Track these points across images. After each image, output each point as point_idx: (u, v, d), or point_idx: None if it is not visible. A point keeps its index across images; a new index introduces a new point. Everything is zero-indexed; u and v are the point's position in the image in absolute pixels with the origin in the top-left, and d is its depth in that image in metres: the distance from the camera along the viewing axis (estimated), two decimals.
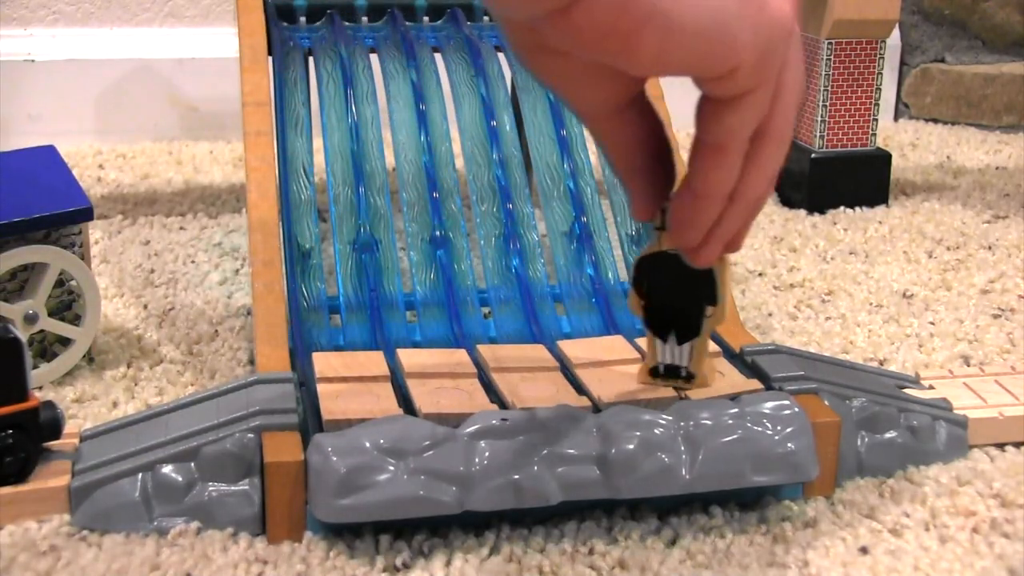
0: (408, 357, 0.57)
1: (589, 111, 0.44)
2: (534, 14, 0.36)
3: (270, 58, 0.73)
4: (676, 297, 0.51)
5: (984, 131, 1.33)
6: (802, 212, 0.98)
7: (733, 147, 0.42)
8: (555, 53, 0.40)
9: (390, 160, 0.70)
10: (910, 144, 1.26)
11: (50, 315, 0.64)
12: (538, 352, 0.59)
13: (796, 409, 0.51)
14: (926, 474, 0.55)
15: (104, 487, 0.49)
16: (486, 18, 0.80)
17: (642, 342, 0.60)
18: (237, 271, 0.83)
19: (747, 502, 0.53)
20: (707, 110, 0.41)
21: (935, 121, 1.37)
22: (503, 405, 0.53)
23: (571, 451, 0.48)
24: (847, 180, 0.99)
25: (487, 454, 0.48)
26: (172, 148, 1.19)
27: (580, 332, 0.64)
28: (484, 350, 0.58)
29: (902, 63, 1.39)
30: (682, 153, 0.81)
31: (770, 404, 0.51)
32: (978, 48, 1.37)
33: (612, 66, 0.39)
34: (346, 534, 0.49)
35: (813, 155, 0.99)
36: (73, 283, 0.65)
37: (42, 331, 0.64)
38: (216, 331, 0.71)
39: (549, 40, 0.39)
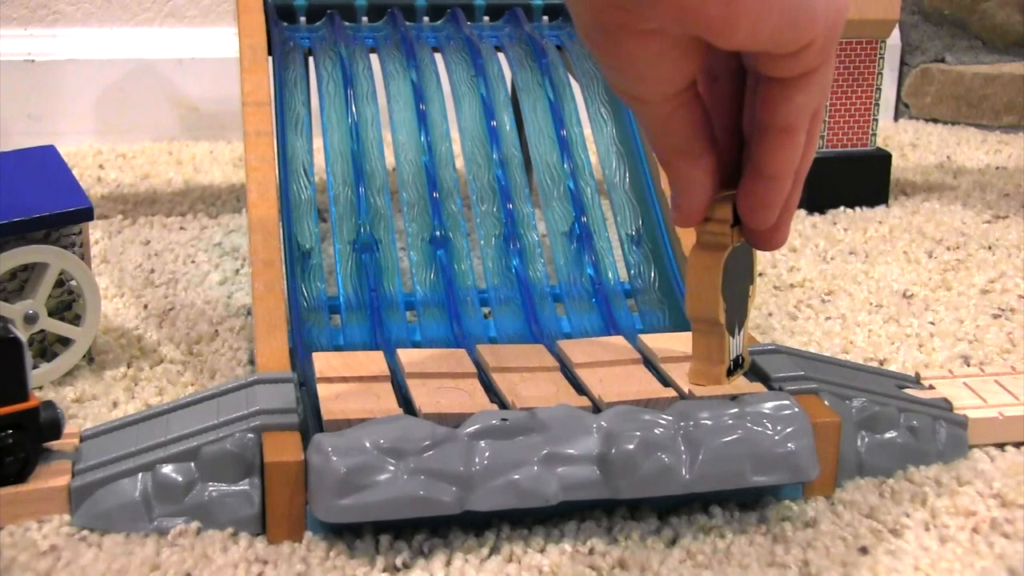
0: (408, 357, 0.57)
1: (654, 90, 0.43)
2: None
3: (270, 58, 0.73)
4: (738, 288, 0.51)
5: (984, 131, 1.33)
6: (802, 212, 0.98)
7: (800, 127, 0.43)
8: (639, 33, 0.40)
9: (390, 160, 0.70)
10: (910, 144, 1.26)
11: (50, 315, 0.64)
12: (538, 352, 0.59)
13: (796, 409, 0.51)
14: (926, 474, 0.55)
15: (104, 487, 0.49)
16: (486, 18, 0.80)
17: (647, 339, 0.60)
18: (237, 271, 0.83)
19: (747, 502, 0.53)
20: (774, 92, 0.42)
21: (935, 121, 1.37)
22: (503, 405, 0.53)
23: (571, 451, 0.48)
24: (847, 180, 0.99)
25: (487, 454, 0.48)
26: (172, 148, 1.19)
27: (580, 332, 0.64)
28: (484, 350, 0.58)
29: (902, 63, 1.39)
30: None
31: (770, 404, 0.51)
32: (978, 48, 1.37)
33: (692, 43, 0.40)
34: (346, 534, 0.49)
35: None
36: (73, 283, 0.65)
37: (42, 331, 0.64)
38: (216, 331, 0.71)
39: (645, 15, 0.39)
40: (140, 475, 0.49)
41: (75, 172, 0.85)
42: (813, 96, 0.42)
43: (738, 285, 0.51)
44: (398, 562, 0.48)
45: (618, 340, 0.61)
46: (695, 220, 0.47)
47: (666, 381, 0.55)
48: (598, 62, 0.43)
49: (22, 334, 0.50)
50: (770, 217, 0.47)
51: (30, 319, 0.63)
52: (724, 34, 0.38)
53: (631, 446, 0.48)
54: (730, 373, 0.52)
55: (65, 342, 0.65)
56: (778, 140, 0.43)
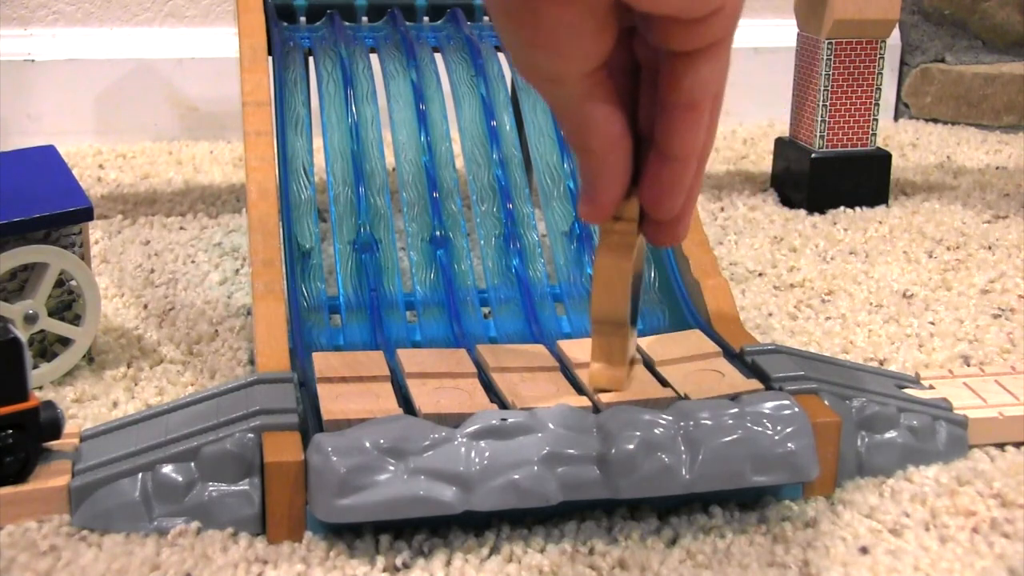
0: (408, 357, 0.57)
1: (572, 68, 0.42)
2: None
3: (270, 58, 0.73)
4: (634, 287, 0.51)
5: (984, 131, 1.34)
6: (802, 212, 0.98)
7: (705, 103, 0.43)
8: (558, 1, 0.39)
9: (390, 160, 0.70)
10: (910, 144, 1.26)
11: (50, 315, 0.64)
12: (538, 352, 0.59)
13: (796, 409, 0.51)
14: (926, 474, 0.55)
15: (104, 487, 0.49)
16: (486, 18, 0.80)
17: (641, 341, 0.60)
18: (237, 271, 0.83)
19: (747, 502, 0.53)
20: (679, 67, 0.42)
21: (935, 121, 1.37)
22: (503, 405, 0.53)
23: (571, 451, 0.48)
24: (847, 180, 0.99)
25: (487, 454, 0.48)
26: (172, 148, 1.19)
27: (580, 332, 0.64)
28: (484, 350, 0.58)
29: (902, 63, 1.39)
30: None
31: (770, 404, 0.51)
32: (978, 48, 1.37)
33: (608, 13, 0.39)
34: (346, 534, 0.49)
35: (813, 155, 0.99)
36: (73, 283, 0.65)
37: (42, 331, 0.64)
38: (216, 331, 0.71)
39: None
40: (140, 475, 0.49)
41: (75, 172, 0.85)
42: (717, 70, 0.42)
43: (635, 283, 0.51)
44: (398, 562, 0.48)
45: None
46: (608, 215, 0.47)
47: (664, 381, 0.55)
48: (511, 41, 0.41)
49: (22, 334, 0.50)
50: (676, 204, 0.46)
51: (30, 319, 0.63)
52: None
53: (631, 446, 0.48)
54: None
55: (65, 342, 0.65)
56: (683, 118, 0.43)
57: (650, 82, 0.44)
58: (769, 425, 0.50)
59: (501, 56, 0.76)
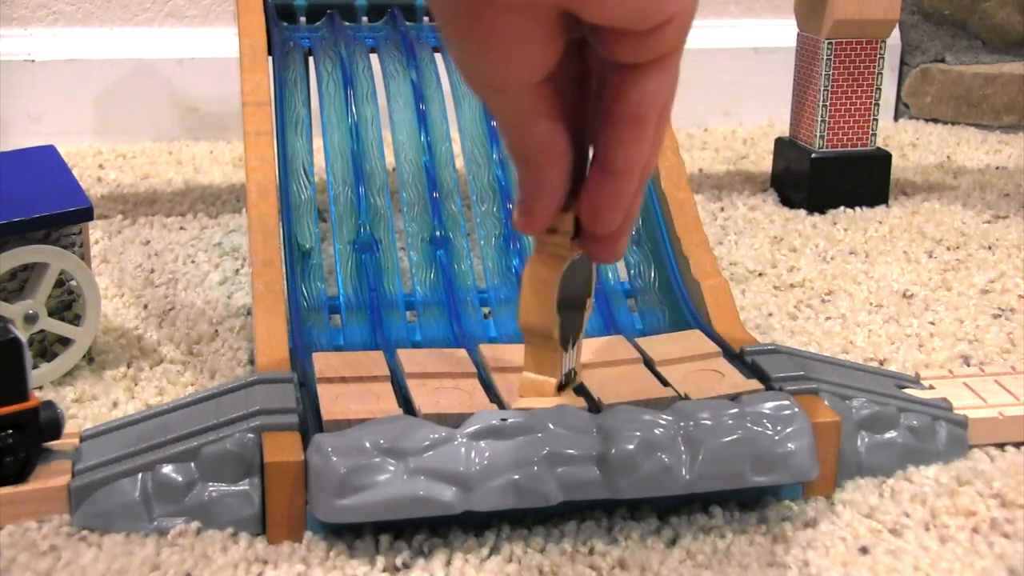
0: (408, 357, 0.57)
1: (518, 78, 0.41)
2: None
3: (270, 58, 0.73)
4: (573, 302, 0.50)
5: (984, 131, 1.34)
6: (802, 212, 0.98)
7: (650, 117, 0.42)
8: (506, 8, 0.38)
9: (390, 160, 0.70)
10: (910, 144, 1.26)
11: (50, 315, 0.64)
12: None
13: (796, 409, 0.51)
14: (926, 474, 0.55)
15: (104, 487, 0.49)
16: None
17: (641, 341, 0.60)
18: (237, 271, 0.83)
19: (747, 502, 0.53)
20: (627, 79, 0.41)
21: (935, 121, 1.37)
22: (503, 405, 0.53)
23: (571, 451, 0.48)
24: (847, 180, 0.99)
25: (487, 454, 0.48)
26: (172, 148, 1.19)
27: None
28: (484, 350, 0.58)
29: (902, 63, 1.39)
30: (682, 154, 0.81)
31: (770, 404, 0.51)
32: (978, 48, 1.37)
33: (556, 23, 0.39)
34: (346, 534, 0.49)
35: (813, 155, 0.99)
36: (73, 283, 0.65)
37: (42, 331, 0.64)
38: (216, 331, 0.71)
39: None
40: (140, 475, 0.49)
41: (75, 172, 0.85)
42: (664, 85, 0.41)
43: (573, 299, 0.50)
44: (398, 562, 0.48)
45: (618, 340, 0.61)
46: (541, 228, 0.46)
47: (665, 381, 0.55)
48: (456, 48, 0.40)
49: (22, 334, 0.50)
50: (614, 219, 0.45)
51: (30, 319, 0.63)
52: (591, 3, 0.38)
53: (631, 446, 0.48)
54: (561, 388, 0.52)
55: (65, 342, 0.65)
56: (628, 131, 0.42)
57: (600, 90, 0.43)
58: (769, 425, 0.50)
59: None
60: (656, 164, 0.45)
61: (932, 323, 0.74)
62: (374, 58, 0.75)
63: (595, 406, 0.53)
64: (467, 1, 0.38)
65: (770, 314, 0.76)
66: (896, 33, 1.37)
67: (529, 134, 0.43)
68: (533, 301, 0.49)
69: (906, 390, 0.60)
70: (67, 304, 0.66)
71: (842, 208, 0.98)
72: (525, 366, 0.51)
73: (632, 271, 0.68)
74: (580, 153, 0.45)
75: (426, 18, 0.80)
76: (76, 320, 0.65)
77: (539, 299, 0.48)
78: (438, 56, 0.75)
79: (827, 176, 0.99)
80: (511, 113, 0.43)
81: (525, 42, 0.39)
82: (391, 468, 0.47)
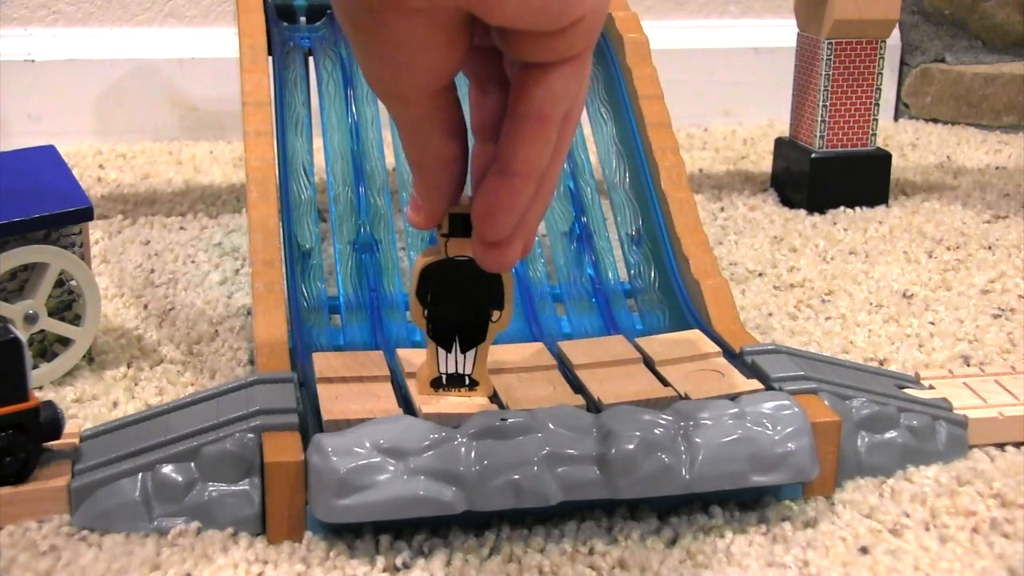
0: (408, 357, 0.57)
1: (416, 85, 0.41)
2: None
3: (270, 58, 0.73)
4: (460, 304, 0.50)
5: (984, 131, 1.34)
6: (802, 212, 0.98)
7: (554, 118, 0.41)
8: (409, 12, 0.38)
9: (390, 160, 0.70)
10: (910, 144, 1.26)
11: (50, 315, 0.64)
12: (536, 351, 0.59)
13: (796, 409, 0.51)
14: (926, 474, 0.55)
15: (104, 487, 0.49)
16: None
17: (641, 341, 0.60)
18: (237, 271, 0.83)
19: (747, 502, 0.53)
20: (532, 78, 0.41)
21: (935, 121, 1.37)
22: (502, 406, 0.53)
23: (571, 451, 0.48)
24: (847, 180, 0.99)
25: (487, 454, 0.48)
26: (172, 148, 1.19)
27: (580, 332, 0.64)
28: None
29: (902, 63, 1.39)
30: (682, 154, 0.81)
31: (770, 404, 0.51)
32: (978, 48, 1.38)
33: (459, 27, 0.39)
34: (346, 534, 0.49)
35: (813, 155, 0.99)
36: (73, 283, 0.65)
37: (42, 331, 0.64)
38: (216, 331, 0.71)
39: None
40: (140, 475, 0.49)
41: (75, 172, 0.85)
42: (571, 86, 0.41)
43: (462, 302, 0.50)
44: (398, 562, 0.48)
45: (618, 340, 0.61)
46: (431, 225, 0.47)
47: (665, 381, 0.55)
48: (360, 54, 0.40)
49: (22, 334, 0.50)
50: (506, 223, 0.43)
51: (30, 319, 0.63)
52: (490, 10, 0.37)
53: (631, 446, 0.48)
54: (440, 386, 0.52)
55: (65, 342, 0.65)
56: (529, 131, 0.41)
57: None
58: (769, 425, 0.50)
59: None
60: (558, 173, 0.44)
61: (932, 323, 0.74)
62: None
63: (595, 406, 0.53)
64: (368, 4, 0.38)
65: (770, 314, 0.76)
66: (896, 33, 1.37)
67: (423, 144, 0.43)
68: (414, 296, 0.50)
69: (906, 390, 0.60)
70: (67, 304, 0.66)
71: (842, 208, 0.98)
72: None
73: (632, 271, 0.68)
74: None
75: None
76: (76, 320, 0.65)
77: (410, 288, 0.50)
78: None
79: (827, 176, 0.99)
80: (409, 122, 0.43)
81: (427, 48, 0.39)
82: (391, 468, 0.47)
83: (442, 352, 0.51)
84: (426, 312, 0.50)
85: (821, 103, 0.98)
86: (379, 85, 0.41)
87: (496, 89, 0.44)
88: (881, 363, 0.68)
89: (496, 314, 0.51)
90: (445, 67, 0.40)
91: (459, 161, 0.44)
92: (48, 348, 0.65)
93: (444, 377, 0.52)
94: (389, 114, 0.44)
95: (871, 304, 0.78)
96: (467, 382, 0.52)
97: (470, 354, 0.52)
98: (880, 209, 0.99)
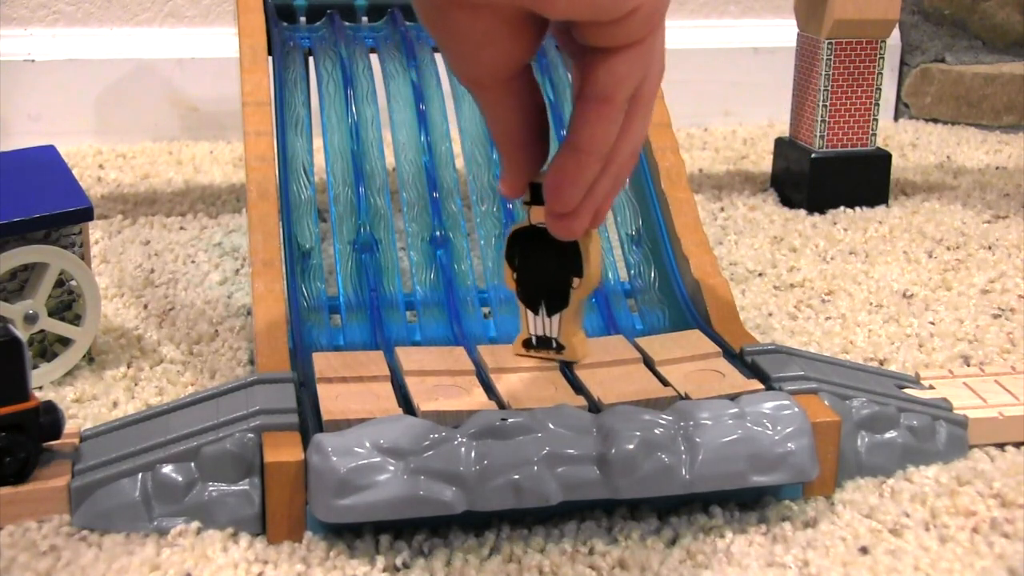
0: (406, 355, 0.57)
1: (487, 73, 0.44)
2: None
3: (270, 58, 0.73)
4: (545, 270, 0.53)
5: (984, 131, 1.34)
6: (802, 212, 0.98)
7: (619, 100, 0.43)
8: (470, 7, 0.40)
9: (390, 160, 0.70)
10: (910, 144, 1.26)
11: (50, 315, 0.64)
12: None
13: (796, 409, 0.51)
14: (926, 474, 0.55)
15: (104, 487, 0.49)
16: None
17: (641, 341, 0.60)
18: (237, 271, 0.83)
19: (747, 502, 0.53)
20: (595, 60, 0.42)
21: (935, 121, 1.37)
22: (502, 405, 0.53)
23: (571, 451, 0.48)
24: (847, 180, 0.99)
25: (487, 454, 0.48)
26: (172, 148, 1.19)
27: None
28: (484, 350, 0.58)
29: (902, 63, 1.39)
30: (682, 154, 0.81)
31: (770, 404, 0.51)
32: (978, 48, 1.37)
33: (522, 21, 0.40)
34: (346, 534, 0.49)
35: (813, 155, 0.99)
36: (73, 283, 0.65)
37: (42, 331, 0.64)
38: (216, 331, 0.71)
39: None
40: (140, 475, 0.49)
41: (75, 172, 0.85)
42: (636, 69, 0.42)
43: (545, 267, 0.53)
44: (398, 562, 0.48)
45: (618, 340, 0.61)
46: (515, 196, 0.49)
47: (665, 381, 0.55)
48: (438, 45, 0.43)
49: (22, 334, 0.50)
50: (572, 196, 0.46)
51: (30, 319, 0.63)
52: (548, 2, 0.39)
53: (631, 446, 0.48)
54: (531, 347, 0.55)
55: (65, 342, 0.65)
56: (594, 111, 0.43)
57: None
58: (769, 425, 0.50)
59: None
60: (628, 152, 0.46)
61: (932, 323, 0.74)
62: (374, 58, 0.75)
63: (595, 406, 0.53)
64: (435, 2, 0.40)
65: (770, 314, 0.76)
66: (896, 33, 1.37)
67: (500, 123, 0.46)
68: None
69: (906, 390, 0.60)
70: (67, 304, 0.66)
71: (842, 208, 0.98)
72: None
73: (632, 271, 0.68)
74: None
75: None
76: (76, 320, 0.65)
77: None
78: (438, 56, 0.75)
79: (827, 176, 0.99)
80: (486, 104, 0.45)
81: (492, 40, 0.41)
82: (391, 468, 0.47)
83: (531, 315, 0.54)
84: (515, 275, 0.53)
85: (821, 103, 0.98)
86: (456, 72, 0.44)
87: (524, 81, 0.46)
88: (881, 363, 0.68)
89: (576, 281, 0.52)
90: (513, 57, 0.43)
91: (534, 138, 0.46)
92: (48, 348, 0.65)
93: (534, 339, 0.55)
94: (473, 99, 0.46)
95: (871, 304, 0.78)
96: (554, 345, 0.55)
97: (556, 318, 0.54)
98: (880, 209, 0.99)
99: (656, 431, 0.49)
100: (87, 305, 0.65)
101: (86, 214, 0.64)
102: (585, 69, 0.43)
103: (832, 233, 0.92)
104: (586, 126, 0.44)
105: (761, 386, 0.55)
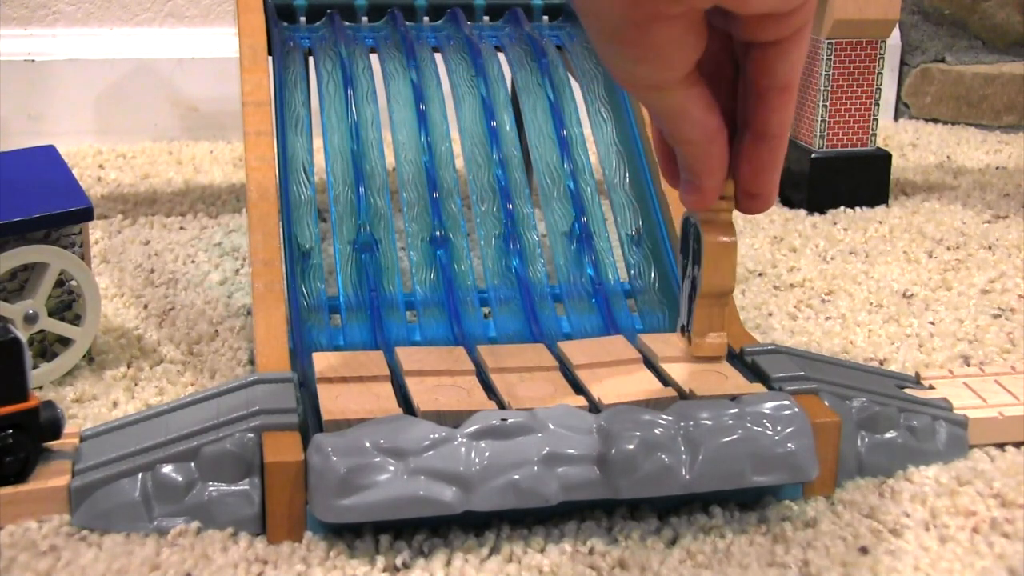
0: (406, 355, 0.57)
1: (675, 76, 0.44)
2: None
3: (270, 58, 0.73)
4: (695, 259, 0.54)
5: (984, 131, 1.33)
6: (802, 212, 0.98)
7: (796, 84, 0.46)
8: (669, 18, 0.41)
9: (390, 160, 0.70)
10: (910, 144, 1.26)
11: (50, 315, 0.64)
12: (538, 352, 0.59)
13: (796, 409, 0.51)
14: (926, 474, 0.55)
15: (104, 487, 0.49)
16: (486, 18, 0.80)
17: (647, 338, 0.60)
18: (237, 271, 0.83)
19: (747, 502, 0.53)
20: (771, 55, 0.45)
21: (935, 121, 1.37)
22: (502, 405, 0.53)
23: (571, 451, 0.48)
24: (847, 180, 0.99)
25: (487, 454, 0.48)
26: (172, 148, 1.19)
27: (580, 332, 0.64)
28: (484, 350, 0.58)
29: (902, 63, 1.39)
30: None
31: (770, 404, 0.51)
32: (978, 48, 1.37)
33: (704, 21, 0.42)
34: (346, 534, 0.49)
35: (813, 155, 0.99)
36: (73, 283, 0.65)
37: (42, 331, 0.64)
38: (216, 331, 0.71)
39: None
40: (140, 475, 0.49)
41: (75, 172, 0.85)
42: (803, 52, 0.45)
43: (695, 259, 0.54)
44: (398, 562, 0.48)
45: (618, 340, 0.61)
46: (714, 199, 0.49)
47: (666, 381, 0.55)
48: (615, 58, 0.43)
49: (22, 334, 0.50)
50: (774, 178, 0.49)
51: (30, 319, 0.63)
52: (741, 2, 0.41)
53: (631, 446, 0.48)
54: (685, 332, 0.57)
55: (65, 342, 0.65)
56: (779, 99, 0.46)
57: (743, 72, 0.47)
58: (769, 425, 0.50)
59: (501, 56, 0.76)
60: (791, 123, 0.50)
61: (932, 323, 0.74)
62: (374, 58, 0.75)
63: (595, 406, 0.53)
64: (634, 18, 0.41)
65: (770, 314, 0.76)
66: (896, 33, 1.37)
67: (689, 121, 0.46)
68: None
69: (906, 390, 0.60)
70: (67, 304, 0.66)
71: (842, 208, 0.98)
72: (696, 330, 0.55)
73: (632, 271, 0.68)
74: (731, 126, 0.48)
75: (426, 18, 0.80)
76: (76, 320, 0.65)
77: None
78: (438, 56, 0.75)
79: (827, 176, 0.99)
80: (669, 106, 0.46)
81: (682, 44, 0.43)
82: (391, 468, 0.47)
83: (688, 304, 0.56)
84: (685, 262, 0.55)
85: (821, 103, 0.98)
86: (635, 81, 0.45)
87: (720, 67, 0.48)
88: (881, 363, 0.68)
89: (697, 269, 0.54)
90: (696, 54, 0.44)
91: (722, 129, 0.47)
92: (48, 348, 0.65)
93: (688, 327, 0.56)
94: (644, 104, 0.47)
95: (871, 304, 0.78)
96: (686, 332, 0.56)
97: (690, 309, 0.55)
98: (880, 209, 0.99)
99: (656, 431, 0.49)
100: (87, 305, 0.65)
101: (86, 214, 0.64)
102: (760, 64, 0.45)
103: (832, 233, 0.92)
104: (774, 113, 0.46)
105: (761, 386, 0.55)
